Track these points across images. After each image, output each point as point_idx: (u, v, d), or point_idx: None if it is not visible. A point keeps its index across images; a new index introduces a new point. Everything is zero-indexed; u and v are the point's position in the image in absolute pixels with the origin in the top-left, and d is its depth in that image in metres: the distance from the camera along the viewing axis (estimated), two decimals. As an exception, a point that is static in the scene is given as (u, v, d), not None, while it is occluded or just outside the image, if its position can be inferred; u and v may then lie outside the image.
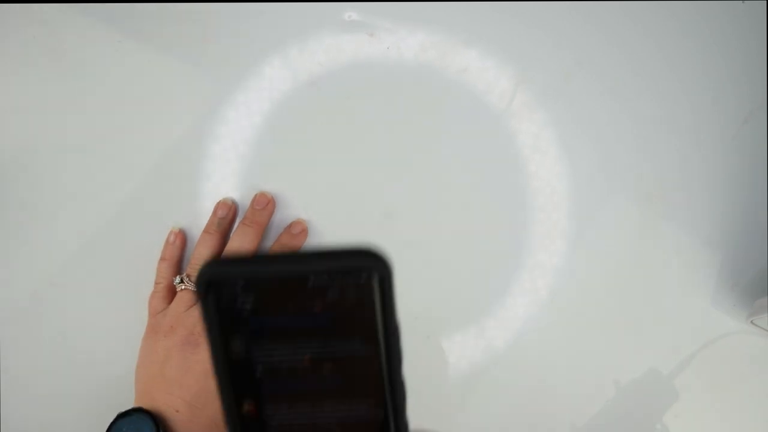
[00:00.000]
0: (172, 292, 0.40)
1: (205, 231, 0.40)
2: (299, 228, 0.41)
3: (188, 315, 0.38)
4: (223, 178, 0.42)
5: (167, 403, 0.36)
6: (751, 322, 0.40)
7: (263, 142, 0.42)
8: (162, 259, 0.41)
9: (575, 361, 0.42)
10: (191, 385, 0.36)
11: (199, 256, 0.40)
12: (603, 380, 0.42)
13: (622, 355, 0.42)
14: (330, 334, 0.27)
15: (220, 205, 0.41)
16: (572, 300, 0.42)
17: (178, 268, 0.41)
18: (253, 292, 0.26)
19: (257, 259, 0.26)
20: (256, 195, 0.41)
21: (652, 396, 0.42)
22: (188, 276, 0.39)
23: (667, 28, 0.42)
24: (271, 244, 0.41)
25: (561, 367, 0.42)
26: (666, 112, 0.42)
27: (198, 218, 0.42)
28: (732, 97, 0.42)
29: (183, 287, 0.39)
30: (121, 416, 0.36)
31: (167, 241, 0.41)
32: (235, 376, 0.27)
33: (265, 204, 0.40)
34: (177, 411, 0.36)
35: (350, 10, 0.42)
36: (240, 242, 0.39)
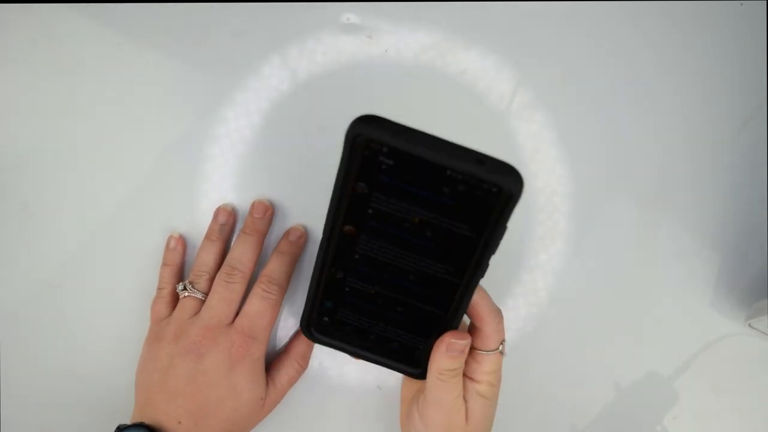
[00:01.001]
0: (175, 298, 0.40)
1: (207, 237, 0.40)
2: (297, 234, 0.41)
3: (192, 323, 0.38)
4: (222, 179, 0.42)
5: (169, 414, 0.36)
6: (749, 324, 0.40)
7: (262, 142, 0.42)
8: (164, 264, 0.41)
9: (575, 362, 0.42)
10: (194, 395, 0.36)
11: (201, 263, 0.40)
12: (603, 382, 0.42)
13: (623, 357, 0.42)
14: (446, 213, 0.29)
15: (221, 211, 0.41)
16: (572, 301, 0.42)
17: (181, 274, 0.41)
18: (395, 160, 0.28)
19: (411, 133, 0.28)
20: (254, 203, 0.41)
21: (653, 398, 0.42)
22: (191, 283, 0.39)
23: (667, 28, 0.42)
24: (272, 250, 0.41)
25: (561, 368, 0.42)
26: (666, 114, 0.42)
27: (196, 218, 0.42)
28: (732, 98, 0.42)
29: (186, 294, 0.39)
30: (122, 429, 0.36)
31: (167, 246, 0.41)
32: (351, 205, 0.30)
33: (264, 212, 0.40)
34: (179, 422, 0.36)
35: (349, 12, 0.42)
36: (242, 251, 0.39)
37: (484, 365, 0.34)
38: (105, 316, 0.42)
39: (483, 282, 0.32)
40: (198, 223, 0.42)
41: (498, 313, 0.34)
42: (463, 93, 0.42)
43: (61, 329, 0.42)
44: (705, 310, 0.42)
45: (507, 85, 0.42)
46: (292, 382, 0.40)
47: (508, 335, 0.42)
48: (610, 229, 0.42)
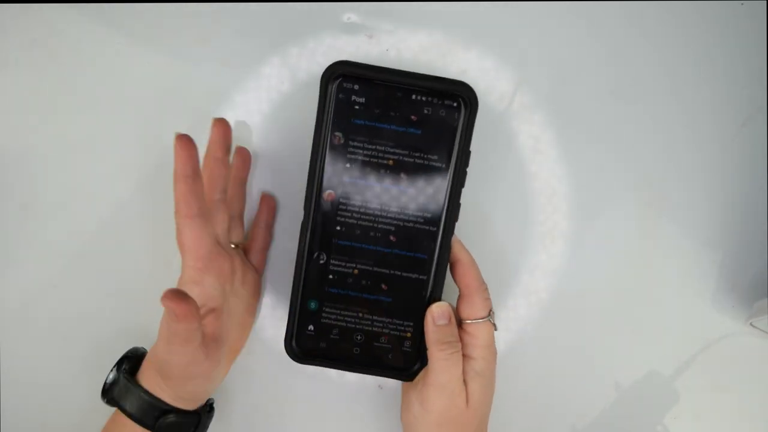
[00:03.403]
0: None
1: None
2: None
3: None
4: (223, 179, 0.42)
5: None
6: (751, 324, 0.40)
7: (262, 142, 0.42)
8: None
9: (576, 362, 0.42)
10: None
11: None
12: (604, 382, 0.42)
13: (623, 357, 0.42)
14: (416, 144, 0.33)
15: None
16: (573, 301, 0.42)
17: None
18: (365, 94, 0.33)
19: (376, 67, 0.32)
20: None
21: (653, 398, 0.42)
22: None
23: (667, 28, 0.42)
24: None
25: (561, 368, 0.42)
26: (666, 113, 0.42)
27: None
28: (732, 98, 0.42)
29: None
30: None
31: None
32: (328, 164, 0.33)
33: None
34: None
35: (349, 12, 0.42)
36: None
37: (478, 337, 0.35)
38: (105, 316, 0.42)
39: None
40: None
41: (484, 283, 0.35)
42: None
43: (61, 329, 0.42)
44: (705, 310, 0.42)
45: (507, 85, 0.42)
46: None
47: (509, 335, 0.42)
48: (610, 229, 0.42)
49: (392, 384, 0.42)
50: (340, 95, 0.32)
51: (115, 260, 0.42)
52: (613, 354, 0.42)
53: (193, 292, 0.35)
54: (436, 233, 0.34)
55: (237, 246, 0.39)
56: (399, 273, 0.34)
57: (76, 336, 0.42)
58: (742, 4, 0.42)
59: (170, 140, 0.43)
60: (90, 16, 0.43)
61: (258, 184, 0.42)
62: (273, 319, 0.42)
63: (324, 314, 0.35)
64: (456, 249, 0.36)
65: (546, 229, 0.42)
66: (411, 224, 0.34)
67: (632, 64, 0.42)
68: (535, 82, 0.42)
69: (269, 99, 0.42)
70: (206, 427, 0.38)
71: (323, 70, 0.32)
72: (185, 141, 0.34)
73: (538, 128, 0.42)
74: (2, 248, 0.43)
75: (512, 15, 0.42)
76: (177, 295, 0.30)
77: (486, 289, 0.35)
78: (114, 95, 0.43)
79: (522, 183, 0.42)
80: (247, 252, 0.40)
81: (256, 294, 0.40)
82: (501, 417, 0.41)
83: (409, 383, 0.37)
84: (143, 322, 0.40)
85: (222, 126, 0.38)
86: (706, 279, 0.42)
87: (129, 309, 0.42)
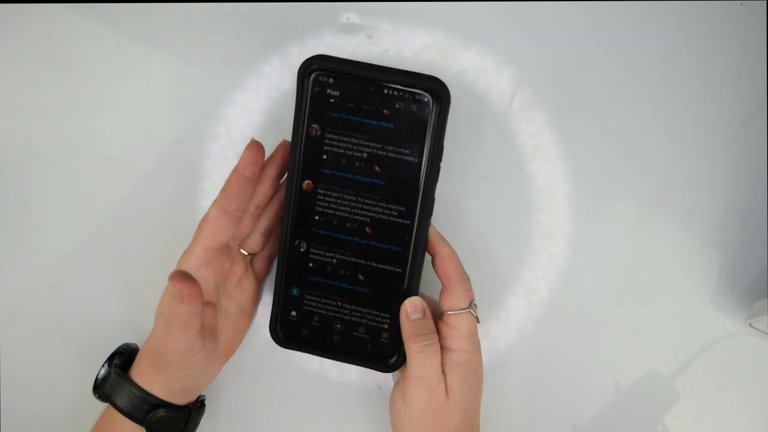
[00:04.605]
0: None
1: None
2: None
3: None
4: (223, 177, 0.42)
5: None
6: (750, 324, 0.40)
7: (262, 140, 0.42)
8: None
9: (576, 362, 0.42)
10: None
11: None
12: (603, 382, 0.42)
13: (623, 357, 0.42)
14: (389, 137, 0.34)
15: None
16: (572, 301, 0.42)
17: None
18: (340, 88, 0.33)
19: (350, 62, 0.33)
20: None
21: (653, 398, 0.42)
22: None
23: (667, 28, 0.42)
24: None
25: (561, 368, 0.42)
26: (666, 113, 0.42)
27: (197, 216, 0.42)
28: (732, 98, 0.42)
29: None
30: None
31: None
32: (306, 155, 0.33)
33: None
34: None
35: (349, 12, 0.42)
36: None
37: (458, 328, 0.35)
38: (105, 315, 0.42)
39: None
40: (198, 221, 0.42)
41: (465, 275, 0.35)
42: (463, 93, 0.42)
43: (60, 329, 0.42)
44: (705, 310, 0.42)
45: (507, 84, 0.42)
46: None
47: (509, 335, 0.42)
48: (610, 228, 0.42)
49: (391, 384, 0.42)
50: (316, 88, 0.33)
51: (115, 260, 0.43)
52: (613, 354, 0.42)
53: None
54: (410, 227, 0.34)
55: (247, 254, 0.39)
56: (375, 265, 0.35)
57: (75, 335, 0.42)
58: (741, 4, 0.42)
59: (170, 140, 0.43)
60: (90, 16, 0.43)
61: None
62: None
63: (306, 301, 0.36)
64: (436, 242, 0.35)
65: (547, 228, 0.42)
66: (385, 217, 0.34)
67: (632, 64, 0.42)
68: (535, 82, 0.42)
69: (269, 97, 0.42)
70: (197, 423, 0.38)
71: (300, 64, 0.33)
72: (256, 147, 0.34)
73: (539, 127, 0.42)
74: (2, 248, 0.43)
75: (512, 15, 0.42)
76: (184, 275, 0.31)
77: (467, 280, 0.36)
78: (114, 95, 0.43)
79: (522, 182, 0.42)
80: (252, 258, 0.40)
81: (253, 301, 0.40)
82: (501, 416, 0.41)
83: (396, 380, 0.37)
84: (143, 321, 0.40)
85: (285, 150, 0.37)
86: (706, 279, 0.42)
87: (129, 309, 0.42)
